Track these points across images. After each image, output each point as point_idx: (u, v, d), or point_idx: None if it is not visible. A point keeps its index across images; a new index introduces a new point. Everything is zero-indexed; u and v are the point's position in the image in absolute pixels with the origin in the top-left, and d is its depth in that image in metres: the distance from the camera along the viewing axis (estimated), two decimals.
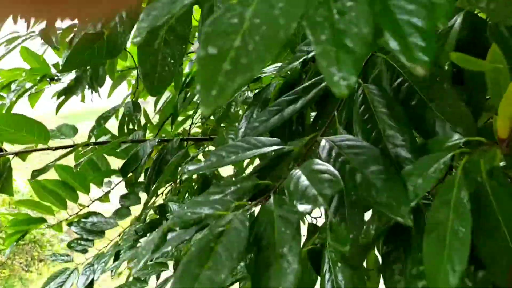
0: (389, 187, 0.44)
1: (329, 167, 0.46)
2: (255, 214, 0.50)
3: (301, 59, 0.72)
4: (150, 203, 1.46)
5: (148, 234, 1.62)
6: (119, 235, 1.74)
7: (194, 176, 1.58)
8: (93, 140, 1.67)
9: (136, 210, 1.87)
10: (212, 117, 1.48)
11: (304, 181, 0.47)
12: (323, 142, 0.53)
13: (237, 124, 1.26)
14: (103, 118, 1.47)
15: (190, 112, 1.70)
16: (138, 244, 1.53)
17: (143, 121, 1.69)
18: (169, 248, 0.47)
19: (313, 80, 0.65)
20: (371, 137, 0.52)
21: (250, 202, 0.50)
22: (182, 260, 0.42)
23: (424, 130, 0.52)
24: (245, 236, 0.43)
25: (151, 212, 1.61)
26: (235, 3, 0.27)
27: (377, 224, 0.47)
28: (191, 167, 0.61)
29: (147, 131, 1.80)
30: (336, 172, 0.45)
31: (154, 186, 0.99)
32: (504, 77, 0.38)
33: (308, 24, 0.26)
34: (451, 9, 0.30)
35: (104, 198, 1.83)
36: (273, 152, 0.57)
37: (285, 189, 0.49)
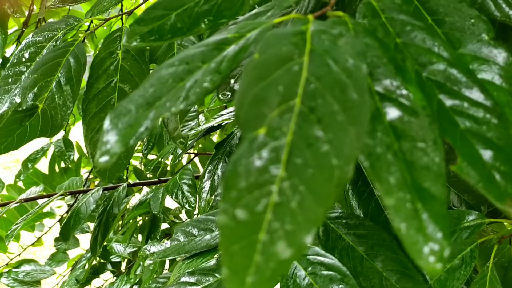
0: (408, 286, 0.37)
1: (335, 261, 0.39)
2: None
3: None
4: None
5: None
6: (58, 284, 1.57)
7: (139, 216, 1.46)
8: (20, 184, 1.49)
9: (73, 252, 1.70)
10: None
11: (305, 278, 0.39)
12: None
13: (190, 166, 1.16)
14: (31, 160, 1.31)
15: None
16: None
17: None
18: None
19: None
20: (369, 208, 0.45)
21: None
22: None
23: None
24: None
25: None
26: (264, 134, 0.18)
27: None
28: (154, 249, 0.51)
29: (81, 165, 1.64)
30: (345, 270, 0.37)
31: (100, 245, 0.87)
32: None
33: (370, 160, 0.19)
34: None
35: (37, 242, 1.65)
36: None
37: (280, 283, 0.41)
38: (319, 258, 0.40)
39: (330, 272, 0.38)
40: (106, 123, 0.25)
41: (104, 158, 0.24)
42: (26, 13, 1.44)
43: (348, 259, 0.40)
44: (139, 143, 1.50)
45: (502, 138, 0.21)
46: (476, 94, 0.23)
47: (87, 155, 0.46)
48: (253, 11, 0.32)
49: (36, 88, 0.42)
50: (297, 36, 0.20)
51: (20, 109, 0.40)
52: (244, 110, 0.18)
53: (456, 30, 0.27)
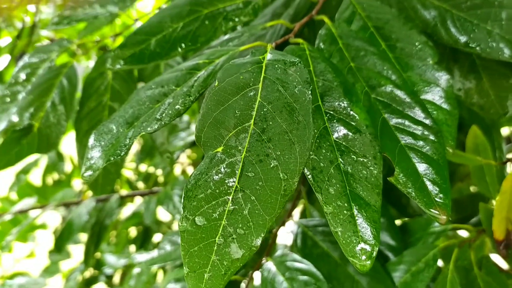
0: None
1: (310, 266, 0.41)
2: None
3: None
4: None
5: None
6: None
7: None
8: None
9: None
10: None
11: (282, 283, 0.42)
12: (292, 225, 0.49)
13: (182, 176, 1.19)
14: (23, 171, 1.33)
15: None
16: None
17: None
18: None
19: None
20: None
21: None
22: None
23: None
24: None
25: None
26: (221, 152, 0.21)
27: None
28: (142, 258, 0.53)
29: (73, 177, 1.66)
30: (319, 275, 0.40)
31: (92, 255, 0.89)
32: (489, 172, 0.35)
33: (313, 173, 0.22)
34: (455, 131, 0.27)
35: (29, 255, 1.66)
36: None
37: None
38: (296, 264, 0.43)
39: (305, 277, 0.41)
40: (91, 141, 0.28)
41: (89, 173, 0.27)
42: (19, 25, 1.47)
43: (323, 264, 0.43)
44: (131, 154, 1.52)
45: (437, 153, 0.24)
46: (417, 113, 0.26)
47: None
48: (226, 37, 0.35)
49: (32, 108, 0.45)
50: (254, 65, 0.23)
51: (18, 128, 0.43)
52: (205, 132, 0.21)
53: (405, 55, 0.30)
